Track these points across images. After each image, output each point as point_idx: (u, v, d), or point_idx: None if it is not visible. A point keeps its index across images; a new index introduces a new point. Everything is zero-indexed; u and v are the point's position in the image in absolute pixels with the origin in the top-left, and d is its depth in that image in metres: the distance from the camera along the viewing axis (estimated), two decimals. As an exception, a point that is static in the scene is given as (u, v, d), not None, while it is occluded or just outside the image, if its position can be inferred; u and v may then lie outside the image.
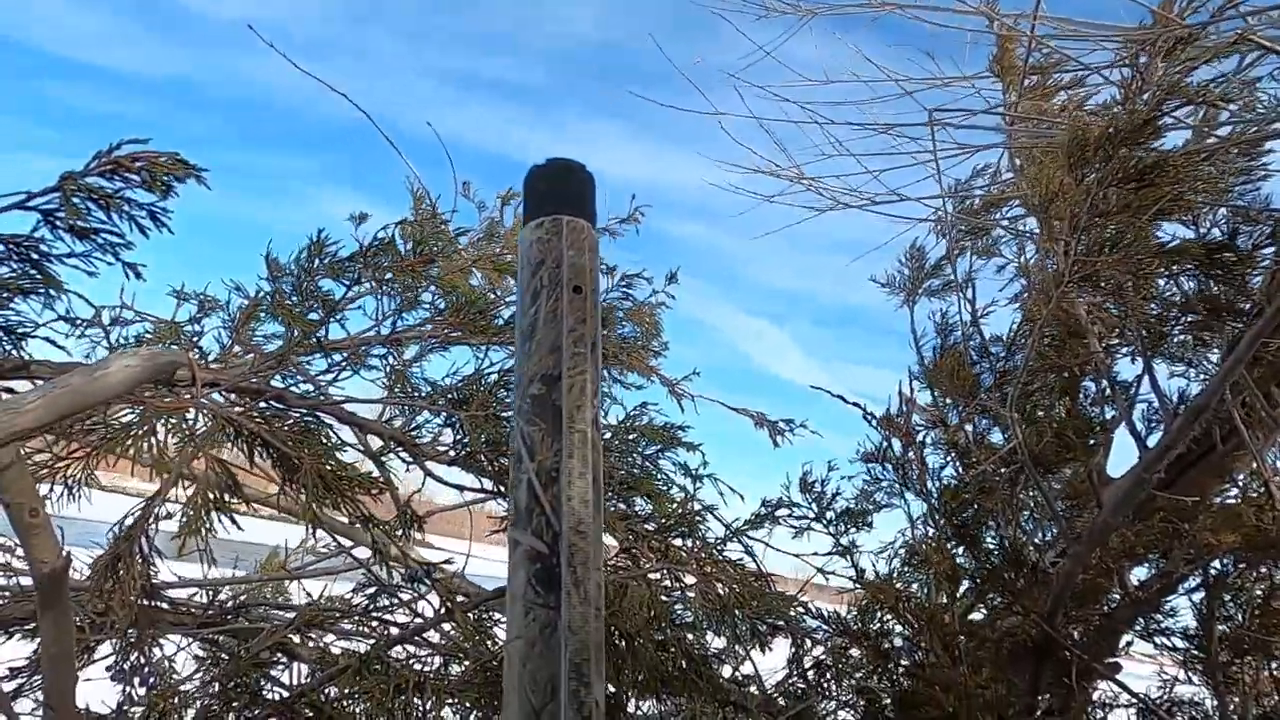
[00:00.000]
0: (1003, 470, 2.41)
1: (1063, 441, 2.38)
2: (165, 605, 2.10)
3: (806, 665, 1.89)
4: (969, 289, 3.18)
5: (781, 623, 1.72)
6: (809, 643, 1.94)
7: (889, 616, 2.21)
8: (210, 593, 2.37)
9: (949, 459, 2.64)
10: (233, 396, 1.55)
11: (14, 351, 1.26)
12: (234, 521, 1.27)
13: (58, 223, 1.03)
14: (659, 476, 2.06)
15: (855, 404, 2.19)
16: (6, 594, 2.11)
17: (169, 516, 1.62)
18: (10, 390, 1.44)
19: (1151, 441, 2.44)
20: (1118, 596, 2.74)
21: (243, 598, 2.62)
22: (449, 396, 1.62)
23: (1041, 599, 2.37)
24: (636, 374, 2.68)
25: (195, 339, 1.71)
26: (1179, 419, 2.10)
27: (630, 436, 1.95)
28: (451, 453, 1.77)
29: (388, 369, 1.73)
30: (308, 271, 1.59)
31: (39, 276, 1.06)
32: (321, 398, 1.64)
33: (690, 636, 1.61)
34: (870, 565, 2.45)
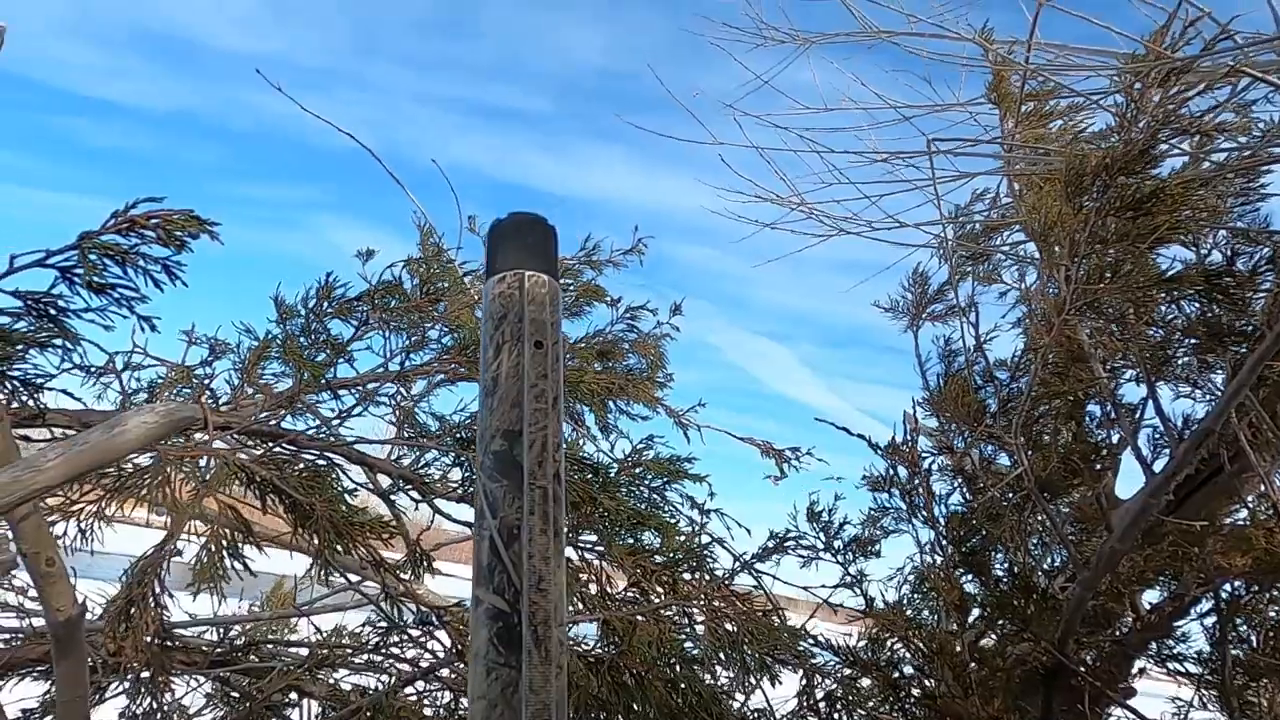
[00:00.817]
0: (1009, 496, 2.41)
1: (1069, 466, 2.38)
2: (178, 645, 2.11)
3: (818, 697, 1.88)
4: (972, 313, 3.20)
5: (790, 656, 1.72)
6: (819, 675, 1.94)
7: (898, 645, 2.21)
8: (221, 630, 2.37)
9: (956, 485, 2.64)
10: (245, 439, 1.57)
11: (30, 401, 1.28)
12: (245, 567, 1.29)
13: (75, 279, 1.05)
14: (666, 509, 2.07)
15: (860, 436, 2.20)
16: (21, 635, 2.12)
17: (179, 554, 1.63)
18: (26, 439, 1.46)
19: (1158, 465, 2.43)
20: (1130, 621, 2.73)
21: (254, 634, 2.63)
22: (456, 435, 1.64)
23: (1052, 625, 2.36)
24: (643, 405, 2.70)
25: (207, 382, 1.73)
26: (1184, 443, 2.10)
27: (636, 470, 1.96)
28: (460, 490, 1.79)
29: (395, 407, 1.75)
30: (315, 314, 1.61)
31: (55, 331, 1.08)
32: (332, 438, 1.66)
33: (700, 671, 1.61)
34: (879, 593, 2.45)
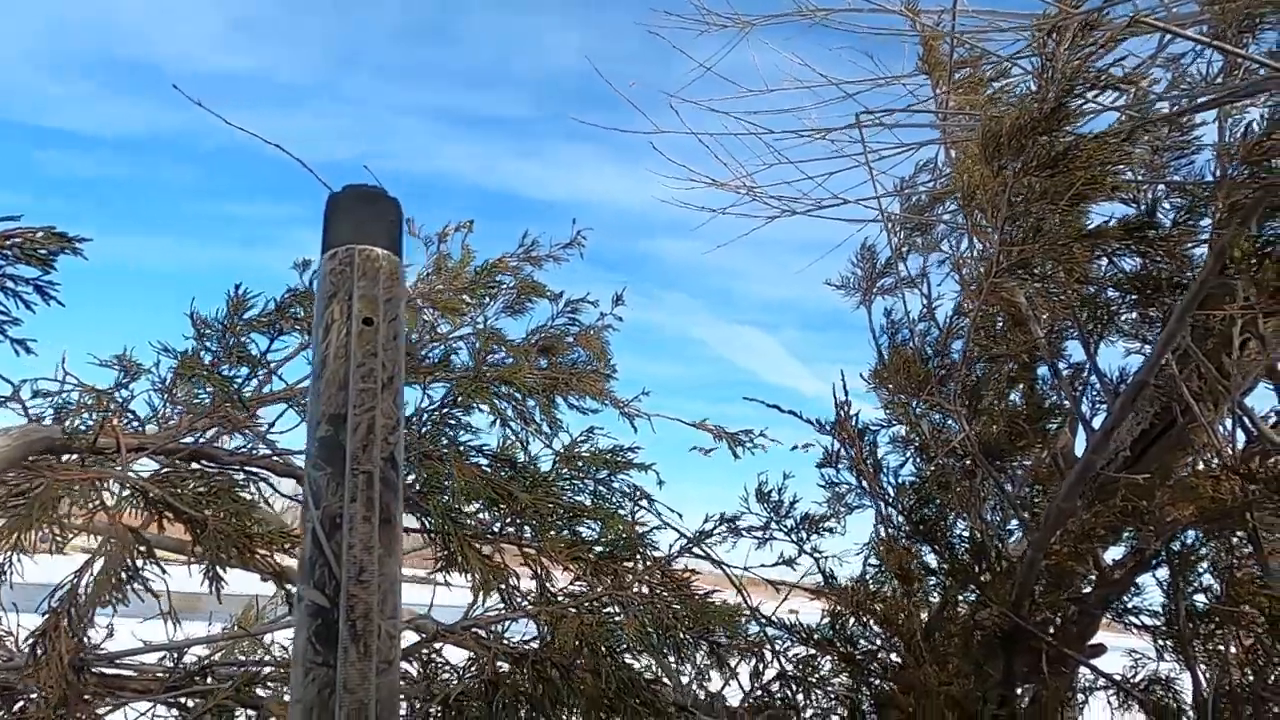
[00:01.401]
0: (959, 463, 2.42)
1: (1014, 429, 2.38)
2: (131, 673, 2.08)
3: (768, 677, 1.88)
4: (924, 284, 3.20)
5: (726, 639, 1.71)
6: (769, 655, 1.93)
7: (855, 620, 2.21)
8: (175, 655, 2.35)
9: (908, 456, 2.65)
10: (165, 459, 1.54)
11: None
12: (146, 587, 1.27)
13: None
14: (612, 501, 2.06)
15: (792, 412, 2.20)
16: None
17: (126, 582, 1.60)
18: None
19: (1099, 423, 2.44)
20: (1095, 579, 2.75)
21: (216, 656, 2.60)
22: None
23: (1009, 589, 2.37)
24: (592, 399, 2.69)
25: (126, 403, 1.71)
26: (1120, 398, 2.11)
27: (577, 464, 1.95)
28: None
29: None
30: (228, 329, 1.59)
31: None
32: (252, 452, 1.64)
33: (636, 660, 1.60)
34: (837, 568, 2.45)
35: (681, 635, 1.62)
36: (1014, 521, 2.71)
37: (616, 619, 1.58)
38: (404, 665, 1.81)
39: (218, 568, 1.26)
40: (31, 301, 1.08)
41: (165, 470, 1.33)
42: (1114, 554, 2.82)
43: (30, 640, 1.35)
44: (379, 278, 0.74)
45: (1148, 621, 2.34)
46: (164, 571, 1.28)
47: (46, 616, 1.36)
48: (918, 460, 2.60)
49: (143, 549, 1.23)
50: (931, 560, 2.56)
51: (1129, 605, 2.41)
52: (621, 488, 2.15)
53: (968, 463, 2.41)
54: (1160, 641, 2.30)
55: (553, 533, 1.68)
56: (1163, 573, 2.38)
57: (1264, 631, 2.09)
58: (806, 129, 3.25)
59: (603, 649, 1.46)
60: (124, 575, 1.22)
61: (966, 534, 2.50)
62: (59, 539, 1.23)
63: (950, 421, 2.56)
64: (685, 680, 1.75)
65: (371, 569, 0.66)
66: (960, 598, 2.52)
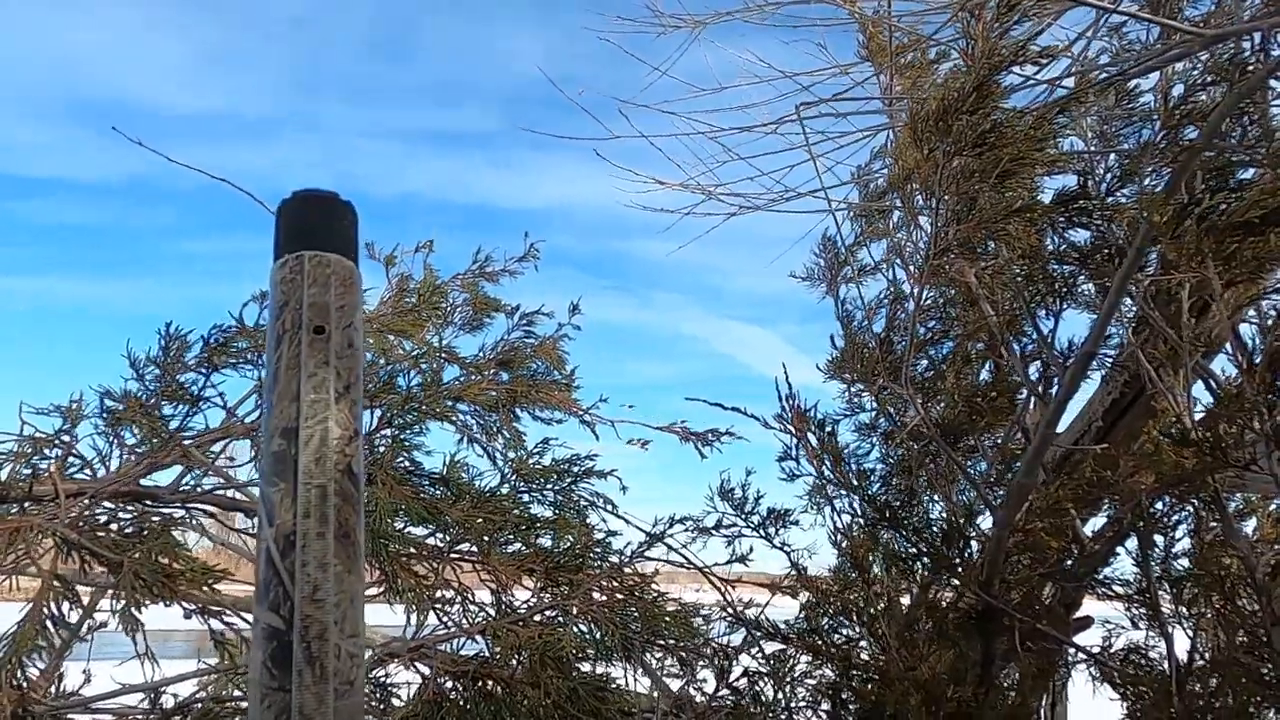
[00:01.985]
0: (920, 446, 2.41)
1: (971, 408, 2.38)
2: (109, 717, 2.09)
3: (734, 676, 1.88)
4: (890, 271, 3.20)
5: (673, 640, 1.71)
6: (734, 654, 1.93)
7: (826, 613, 2.21)
8: (151, 696, 2.35)
9: (872, 444, 2.64)
10: (104, 503, 1.55)
11: None
12: (75, 633, 1.27)
13: None
14: (570, 509, 2.06)
15: (736, 409, 2.20)
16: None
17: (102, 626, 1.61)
18: None
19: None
20: (1075, 553, 2.74)
21: (202, 692, 2.60)
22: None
23: (980, 568, 2.37)
24: (556, 408, 2.69)
25: (70, 448, 1.71)
26: (1068, 370, 2.11)
27: (533, 477, 1.95)
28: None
29: (255, 446, 1.73)
30: (164, 369, 1.60)
31: None
32: (197, 488, 1.64)
33: (582, 668, 1.61)
34: (810, 560, 2.45)
35: (630, 640, 1.62)
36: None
37: (563, 627, 1.59)
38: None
39: (134, 606, 1.27)
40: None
41: (85, 514, 1.33)
42: (1095, 525, 2.81)
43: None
44: (330, 283, 0.71)
45: (1120, 590, 2.34)
46: (91, 617, 1.29)
47: (-9, 668, 1.37)
48: (883, 447, 2.60)
49: (71, 595, 1.24)
50: (902, 547, 2.56)
51: (1101, 576, 2.40)
52: (583, 496, 2.15)
53: (925, 445, 2.41)
54: (1132, 609, 2.29)
55: (501, 546, 1.68)
56: (1133, 542, 2.38)
57: (1231, 592, 2.09)
58: (756, 125, 3.26)
59: (547, 659, 1.46)
60: (54, 621, 1.23)
61: (936, 517, 2.49)
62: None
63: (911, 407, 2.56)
64: (651, 684, 1.75)
65: (327, 586, 0.63)
66: (939, 582, 2.52)
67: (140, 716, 2.27)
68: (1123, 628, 2.43)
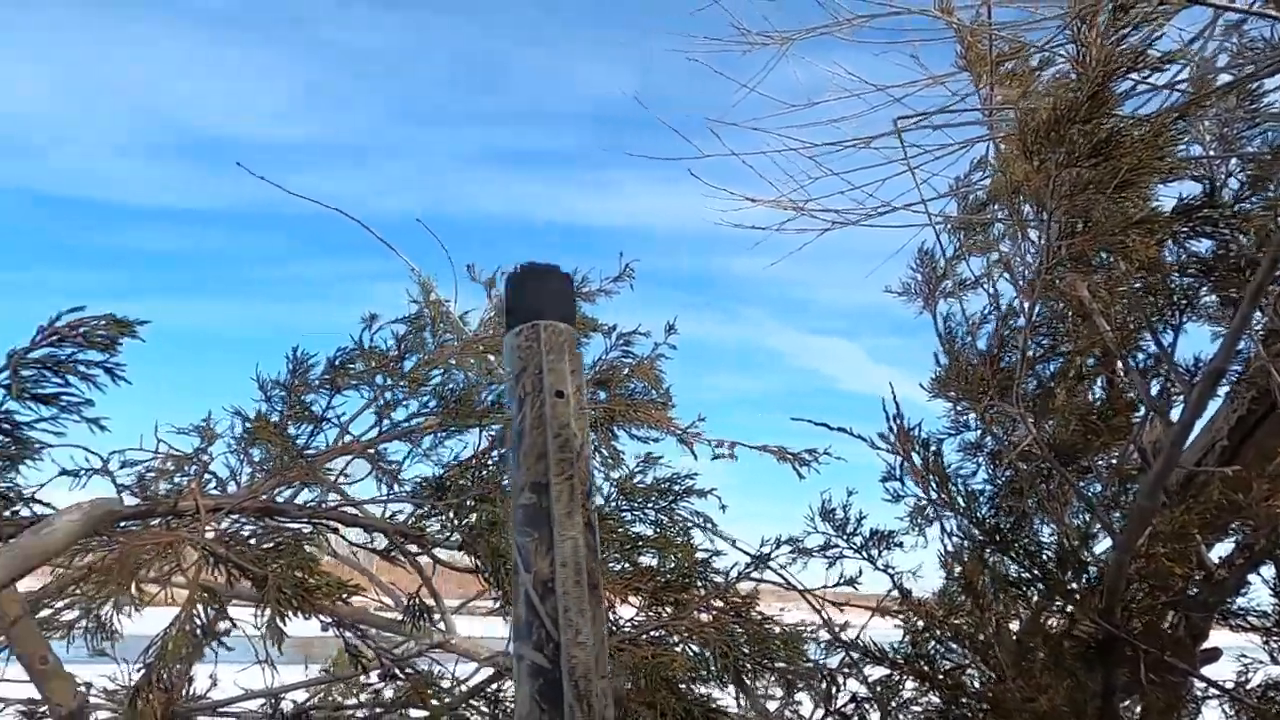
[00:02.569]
0: (1031, 467, 2.33)
1: (1087, 427, 2.28)
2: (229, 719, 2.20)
3: (839, 703, 1.84)
4: (989, 285, 3.11)
5: (793, 660, 1.69)
6: (842, 678, 1.90)
7: (934, 637, 2.15)
8: (271, 702, 2.47)
9: (979, 464, 2.56)
10: (238, 517, 1.64)
11: (21, 512, 1.38)
12: (222, 643, 1.35)
13: (24, 395, 1.14)
14: (673, 528, 2.07)
15: (841, 429, 2.16)
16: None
17: (226, 632, 1.71)
18: None
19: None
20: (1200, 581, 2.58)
21: (314, 699, 2.71)
22: (433, 486, 1.69)
23: (1099, 595, 2.26)
24: (653, 427, 2.71)
25: (205, 466, 1.83)
26: (1196, 387, 2.00)
27: (636, 496, 1.98)
28: (459, 539, 1.83)
29: (375, 466, 1.81)
30: (290, 390, 1.69)
31: (13, 443, 1.17)
32: (319, 505, 1.72)
33: (696, 689, 1.60)
34: (916, 584, 2.38)
35: (742, 662, 1.61)
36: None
37: (676, 648, 1.59)
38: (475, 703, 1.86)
39: (279, 618, 1.34)
40: (102, 384, 1.18)
41: (231, 530, 1.42)
42: (1220, 551, 2.65)
43: (130, 694, 1.46)
44: (564, 351, 0.80)
45: (1256, 622, 2.19)
46: (234, 625, 1.37)
47: (141, 671, 1.46)
48: (990, 467, 2.51)
49: (216, 605, 1.32)
50: (1012, 571, 2.46)
51: (1234, 606, 2.25)
52: (683, 514, 2.16)
53: (1037, 466, 2.32)
54: (1270, 643, 2.14)
55: (612, 565, 1.70)
56: (1269, 570, 2.23)
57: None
58: (849, 140, 3.22)
59: (659, 679, 1.47)
60: (200, 629, 1.31)
61: (1049, 540, 2.39)
62: (138, 601, 1.33)
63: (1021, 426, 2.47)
64: (747, 706, 1.73)
65: (586, 631, 0.71)
66: (1051, 608, 2.42)
67: (261, 721, 2.38)
68: (1260, 662, 2.27)
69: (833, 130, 4.10)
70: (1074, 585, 2.34)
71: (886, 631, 2.44)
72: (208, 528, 1.39)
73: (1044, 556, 2.41)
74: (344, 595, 1.42)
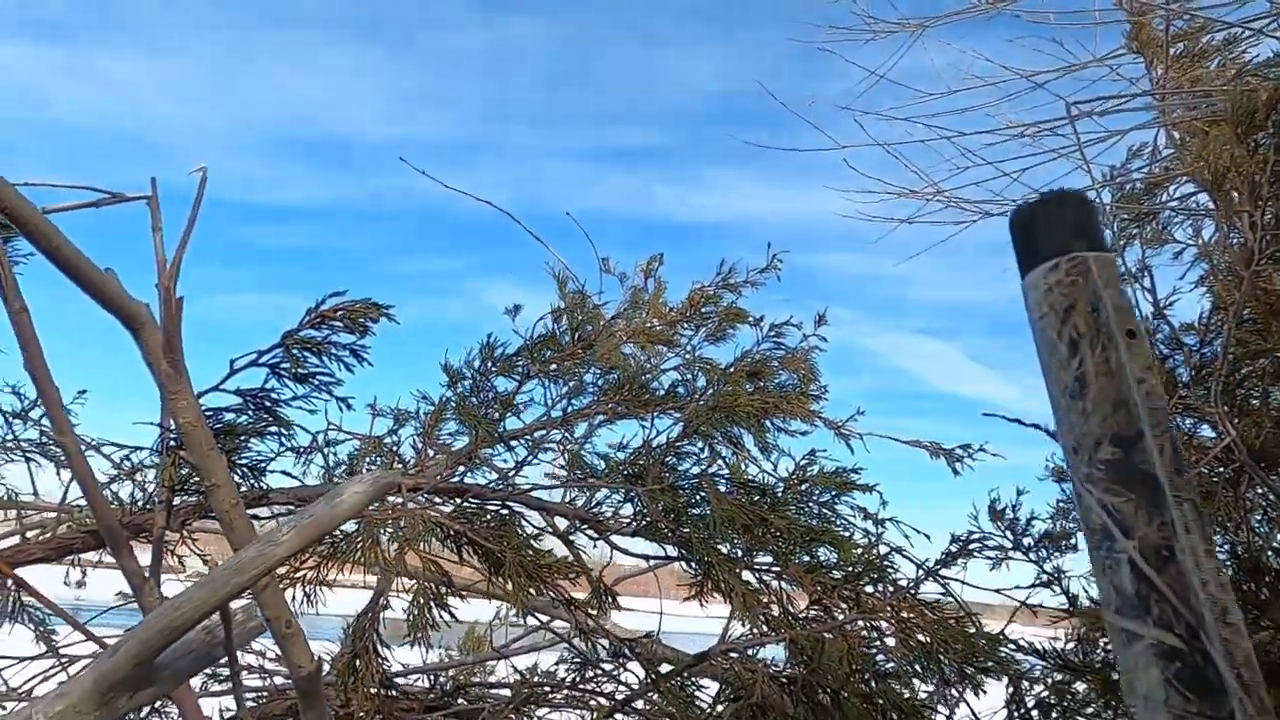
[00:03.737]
0: (1220, 470, 2.19)
1: (1288, 431, 2.14)
2: (397, 694, 2.28)
3: (1029, 705, 1.78)
4: (1146, 278, 2.95)
5: (989, 663, 1.64)
6: (1026, 682, 1.83)
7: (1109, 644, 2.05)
8: (431, 676, 2.55)
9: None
10: (434, 498, 1.69)
11: (255, 484, 1.45)
12: (452, 615, 1.39)
13: (283, 373, 1.20)
14: (838, 523, 2.04)
15: (1036, 425, 2.08)
16: (265, 693, 2.37)
17: (388, 608, 1.78)
18: (256, 517, 1.65)
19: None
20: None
21: (460, 677, 2.79)
22: (624, 472, 1.70)
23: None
24: (800, 420, 2.68)
25: (395, 448, 1.89)
26: None
27: (802, 487, 1.95)
28: (633, 524, 1.85)
29: (562, 451, 1.84)
30: (481, 374, 1.73)
31: (271, 420, 1.23)
32: (510, 487, 1.76)
33: (896, 686, 1.57)
34: (1082, 589, 2.29)
35: (945, 662, 1.57)
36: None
37: (873, 645, 1.56)
38: (653, 694, 1.87)
39: (519, 596, 1.37)
40: (349, 364, 1.24)
41: (458, 508, 1.46)
42: None
43: (340, 663, 1.52)
44: (1118, 285, 0.69)
45: None
46: (463, 598, 1.41)
47: (354, 640, 1.52)
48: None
49: (446, 582, 1.36)
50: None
51: None
52: (846, 509, 2.12)
53: (1229, 470, 2.18)
54: None
55: (794, 558, 1.68)
56: None
57: None
58: (1004, 127, 3.10)
59: (867, 675, 1.44)
60: (431, 608, 1.36)
61: (1231, 549, 2.25)
62: (374, 570, 1.38)
63: (1203, 425, 2.34)
64: (944, 710, 1.69)
65: (1235, 611, 0.61)
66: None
67: (420, 695, 2.46)
68: None
69: (971, 118, 3.96)
70: (1263, 597, 2.21)
71: (1032, 635, 2.36)
72: (443, 504, 1.44)
73: (1232, 566, 2.28)
74: (572, 574, 1.45)
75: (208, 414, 1.22)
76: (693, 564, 1.59)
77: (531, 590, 1.36)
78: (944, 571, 1.97)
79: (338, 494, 1.01)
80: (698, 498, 1.60)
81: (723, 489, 1.64)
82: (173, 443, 1.23)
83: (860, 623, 1.61)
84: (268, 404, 1.23)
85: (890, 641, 1.61)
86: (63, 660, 1.71)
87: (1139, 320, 0.72)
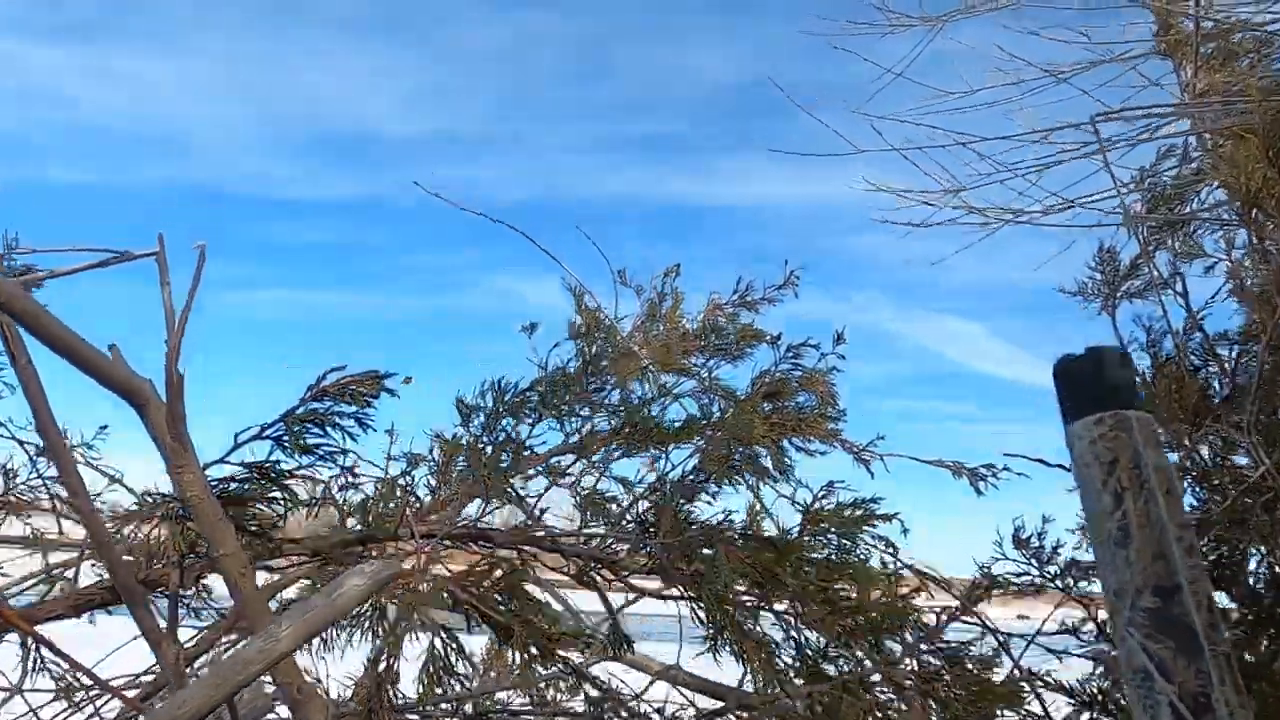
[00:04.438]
0: (1253, 498, 2.13)
1: (1324, 457, 2.07)
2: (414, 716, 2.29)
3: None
4: (1178, 285, 2.87)
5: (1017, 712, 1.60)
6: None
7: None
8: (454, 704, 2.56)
9: (1186, 487, 2.37)
10: (446, 543, 1.69)
11: (268, 541, 1.45)
12: (461, 685, 1.39)
13: (285, 445, 1.19)
14: (857, 554, 2.01)
15: (1060, 466, 2.03)
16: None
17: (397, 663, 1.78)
18: (268, 568, 1.66)
19: None
20: None
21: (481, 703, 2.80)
22: (637, 520, 1.68)
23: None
24: (819, 441, 2.65)
25: (409, 490, 1.89)
26: None
27: (820, 525, 1.92)
28: (648, 564, 1.83)
29: (578, 489, 1.83)
30: (492, 415, 1.71)
31: (275, 488, 1.23)
32: (526, 524, 1.75)
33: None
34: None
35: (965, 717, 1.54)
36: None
37: (892, 701, 1.53)
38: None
39: (527, 669, 1.36)
40: (353, 433, 1.23)
41: (468, 569, 1.45)
42: None
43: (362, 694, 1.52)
44: (1159, 445, 0.75)
45: None
46: (474, 667, 1.41)
47: (368, 697, 1.52)
48: (1198, 493, 2.32)
49: (455, 645, 1.36)
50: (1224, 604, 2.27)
51: None
52: (866, 540, 2.09)
53: (1266, 497, 2.12)
54: None
55: (811, 604, 1.66)
56: None
57: None
58: (1023, 133, 3.02)
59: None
60: (441, 671, 1.36)
61: (1270, 575, 2.19)
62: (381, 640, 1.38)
63: (1240, 452, 2.26)
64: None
65: None
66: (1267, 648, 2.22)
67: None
68: None
69: (991, 114, 3.87)
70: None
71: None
72: (449, 564, 1.44)
73: (1260, 593, 2.22)
74: (582, 646, 1.44)
75: (214, 484, 1.22)
76: (704, 619, 1.57)
77: (540, 668, 1.35)
78: (968, 615, 1.93)
79: (338, 587, 1.00)
80: (711, 547, 1.57)
81: (737, 541, 1.61)
82: (180, 513, 1.23)
83: (874, 675, 1.58)
84: (273, 475, 1.23)
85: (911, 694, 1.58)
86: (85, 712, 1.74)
87: (1169, 457, 0.74)
